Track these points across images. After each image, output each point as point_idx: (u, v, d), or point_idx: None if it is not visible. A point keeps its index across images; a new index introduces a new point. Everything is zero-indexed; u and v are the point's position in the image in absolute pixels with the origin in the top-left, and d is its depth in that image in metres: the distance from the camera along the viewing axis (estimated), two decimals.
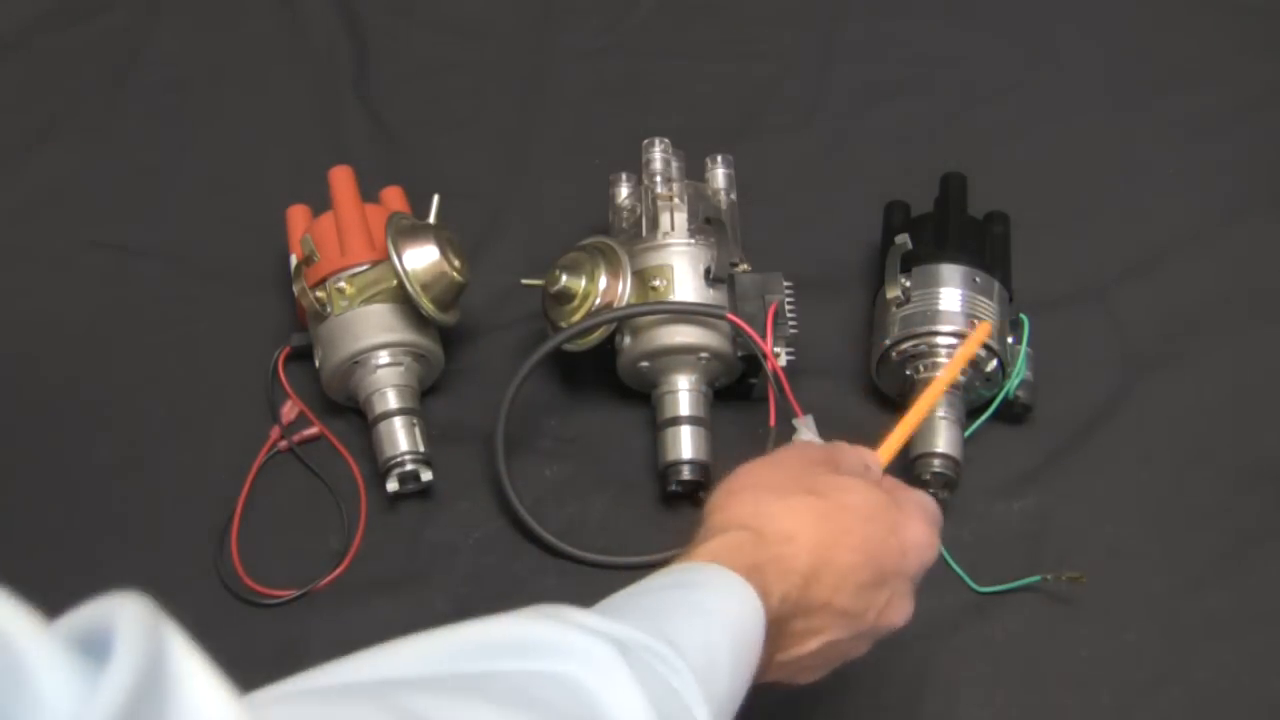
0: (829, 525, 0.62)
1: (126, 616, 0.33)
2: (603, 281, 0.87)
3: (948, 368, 0.81)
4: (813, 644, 0.62)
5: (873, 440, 0.90)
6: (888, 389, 0.91)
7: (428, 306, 0.86)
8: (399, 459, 0.86)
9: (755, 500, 0.62)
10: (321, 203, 0.92)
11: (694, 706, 0.51)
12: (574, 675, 0.48)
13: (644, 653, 0.51)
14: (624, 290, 0.87)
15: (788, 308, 0.87)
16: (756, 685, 0.72)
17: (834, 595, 0.61)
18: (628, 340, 0.88)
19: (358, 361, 0.88)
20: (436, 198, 0.90)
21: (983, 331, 0.83)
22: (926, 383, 0.86)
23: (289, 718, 0.43)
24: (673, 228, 0.89)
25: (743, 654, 0.56)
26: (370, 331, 0.88)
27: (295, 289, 0.91)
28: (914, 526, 0.65)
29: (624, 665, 0.49)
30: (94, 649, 0.33)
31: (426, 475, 0.87)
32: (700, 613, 0.56)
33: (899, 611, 0.65)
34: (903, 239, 0.87)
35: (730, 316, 0.85)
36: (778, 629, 0.59)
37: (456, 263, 0.87)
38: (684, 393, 0.88)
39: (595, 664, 0.49)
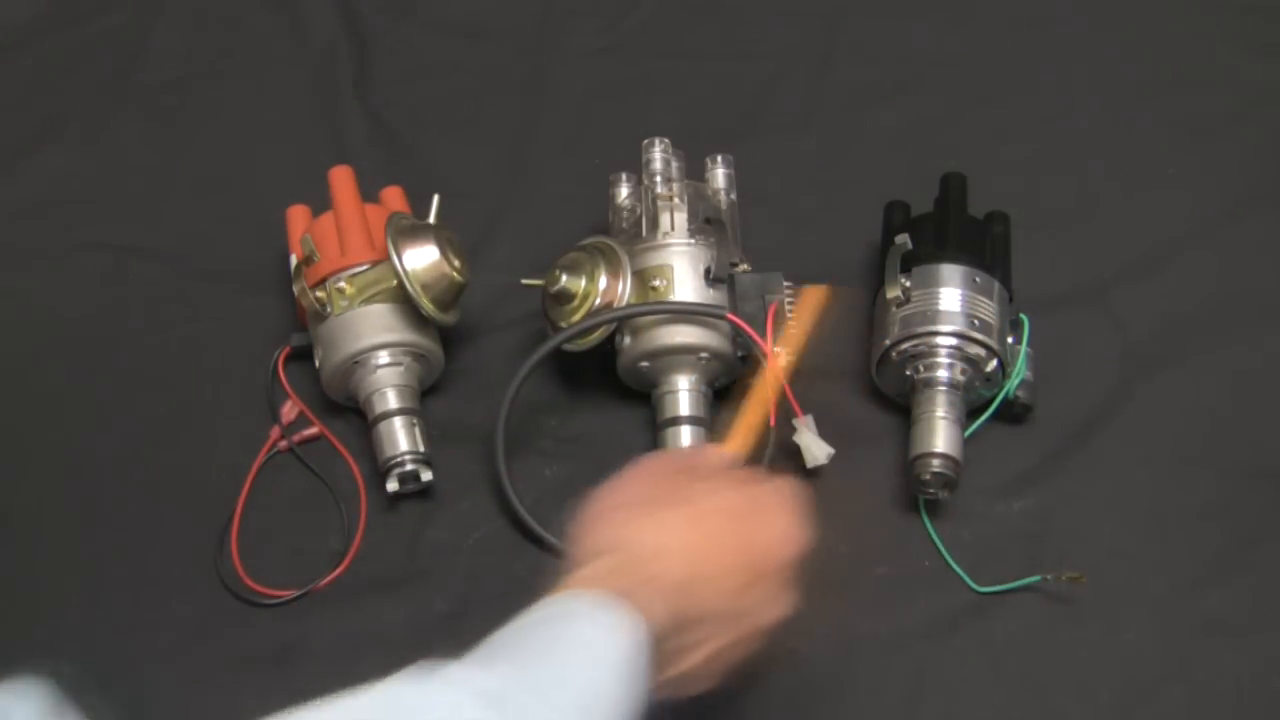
0: (699, 535, 0.61)
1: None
2: (603, 281, 0.87)
3: (787, 338, 0.78)
4: (698, 655, 0.61)
5: (873, 441, 0.91)
6: (888, 389, 0.91)
7: (428, 306, 0.86)
8: (399, 459, 0.86)
9: (623, 520, 0.61)
10: (321, 203, 0.92)
11: None
12: None
13: (521, 696, 0.50)
14: (624, 290, 0.87)
15: (788, 308, 0.87)
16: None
17: (711, 603, 0.60)
18: (628, 340, 0.88)
19: (358, 361, 0.88)
20: (436, 198, 0.90)
21: (816, 296, 0.80)
22: (926, 383, 0.87)
23: None
24: (673, 228, 0.89)
25: (628, 680, 0.55)
26: (370, 331, 0.88)
27: (295, 289, 0.91)
28: (779, 520, 0.65)
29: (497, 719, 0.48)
30: None
31: (426, 475, 0.87)
32: (580, 645, 0.55)
33: (779, 605, 0.64)
34: (903, 239, 0.87)
35: (730, 316, 0.85)
36: (663, 649, 0.58)
37: (456, 263, 0.87)
38: (684, 393, 0.88)
39: None
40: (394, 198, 0.95)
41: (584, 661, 0.54)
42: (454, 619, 0.85)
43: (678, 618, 0.59)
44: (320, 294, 0.89)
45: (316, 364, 0.90)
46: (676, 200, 0.90)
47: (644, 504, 0.62)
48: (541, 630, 0.56)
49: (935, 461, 0.84)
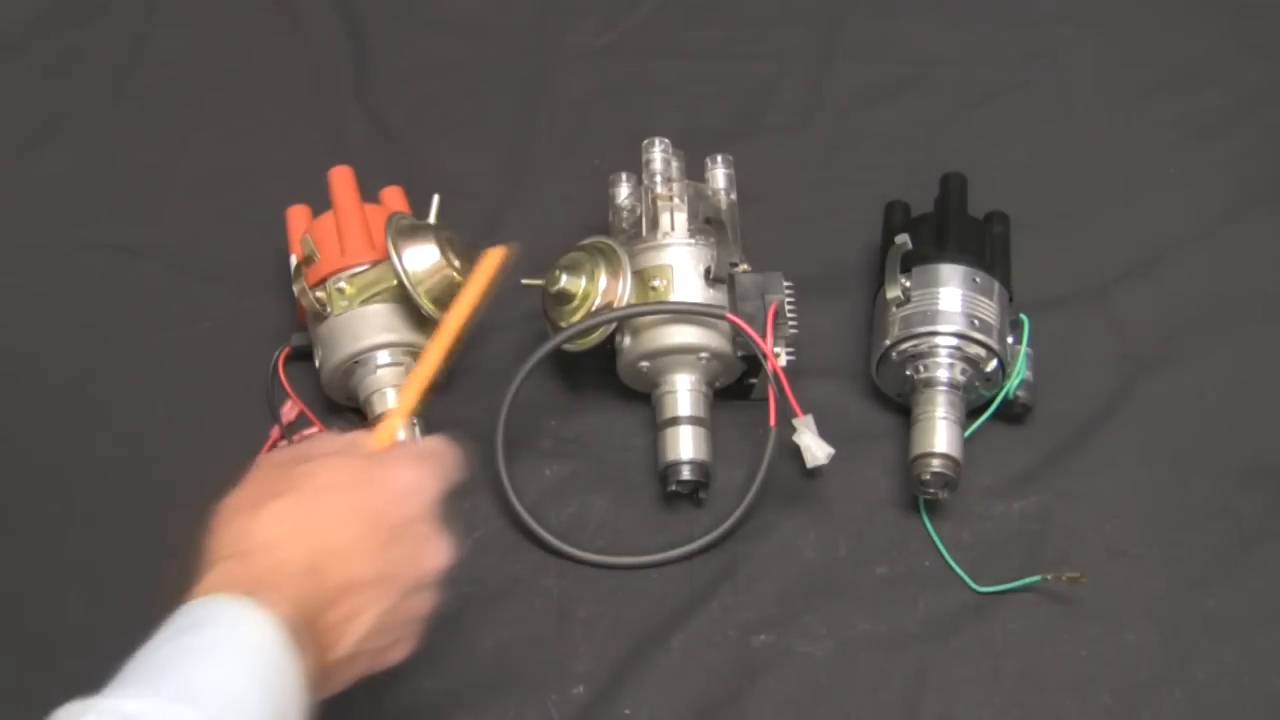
0: (308, 515, 0.61)
1: None
2: (603, 281, 0.87)
3: (458, 300, 0.76)
4: (361, 626, 0.61)
5: (873, 441, 0.91)
6: (888, 389, 0.91)
7: (428, 306, 0.86)
8: None
9: (232, 524, 0.61)
10: (321, 203, 0.92)
11: None
12: None
13: (156, 715, 0.51)
14: (624, 290, 0.87)
15: (788, 308, 0.87)
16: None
17: (350, 572, 0.61)
18: (628, 340, 0.88)
19: (358, 361, 0.88)
20: (436, 198, 0.90)
21: (496, 257, 0.78)
22: (926, 383, 0.87)
23: None
24: (673, 228, 0.89)
25: (268, 676, 0.55)
26: (370, 331, 0.88)
27: (295, 289, 0.91)
28: (400, 472, 0.65)
29: None
30: None
31: None
32: (210, 651, 0.55)
33: (433, 553, 0.65)
34: (903, 239, 0.87)
35: (730, 316, 0.85)
36: (312, 631, 0.59)
37: (456, 263, 0.87)
38: (684, 393, 0.88)
39: None
40: (394, 198, 0.95)
41: (215, 665, 0.55)
42: (454, 619, 0.85)
43: (316, 599, 0.59)
44: (320, 294, 0.89)
45: (316, 364, 0.90)
46: (676, 200, 0.90)
47: (251, 503, 0.62)
48: (175, 644, 0.56)
49: (935, 461, 0.84)
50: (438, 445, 0.69)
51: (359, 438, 0.69)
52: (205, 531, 0.62)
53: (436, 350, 0.73)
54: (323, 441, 0.68)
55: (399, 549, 0.63)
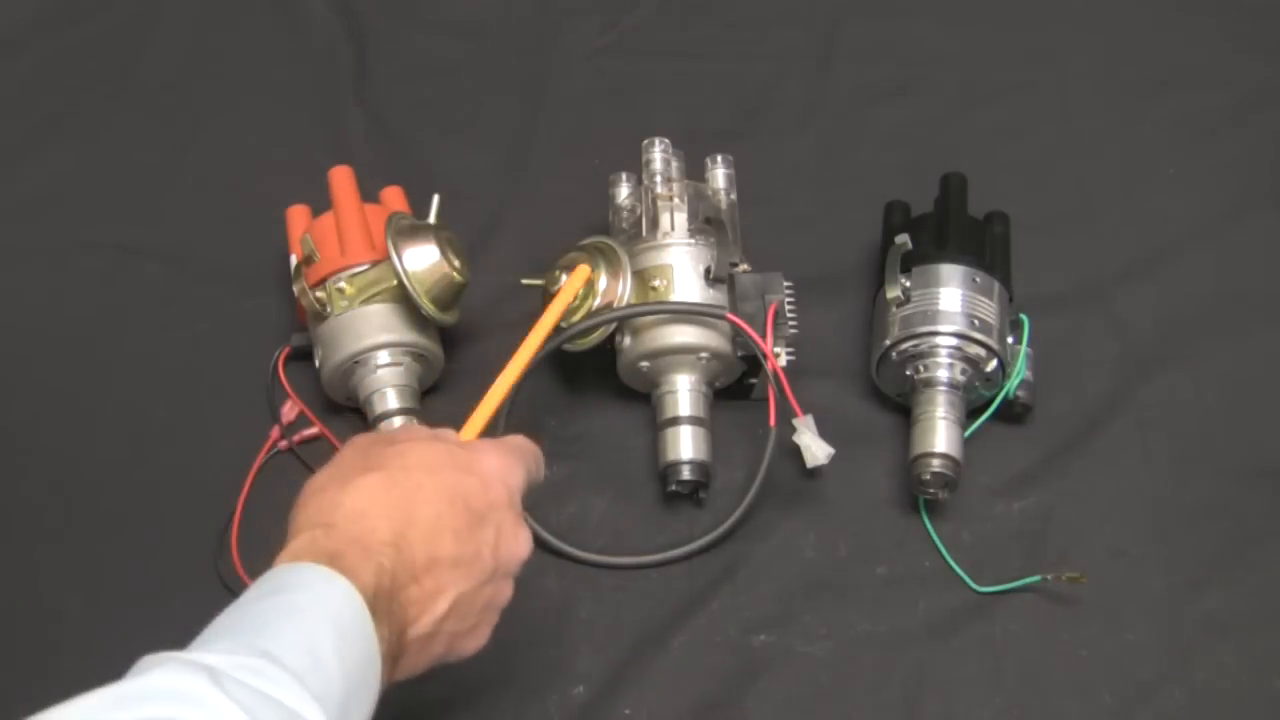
0: (397, 490, 0.63)
1: None
2: (603, 281, 0.87)
3: (545, 318, 0.82)
4: (441, 604, 0.62)
5: (873, 441, 0.91)
6: (888, 389, 0.91)
7: (428, 306, 0.86)
8: None
9: (321, 496, 0.63)
10: (321, 203, 0.92)
11: (301, 709, 0.52)
12: (170, 717, 0.49)
13: (238, 673, 0.51)
14: (624, 290, 0.87)
15: (788, 308, 0.87)
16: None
17: (434, 549, 0.62)
18: (628, 340, 0.88)
19: (358, 361, 0.88)
20: (436, 198, 0.90)
21: (582, 274, 0.84)
22: (926, 383, 0.87)
23: None
24: (673, 228, 0.89)
25: (348, 640, 0.56)
26: (370, 331, 0.88)
27: (295, 289, 0.91)
28: (486, 459, 0.67)
29: (217, 692, 0.50)
30: None
31: None
32: (294, 613, 0.56)
33: (516, 541, 0.67)
34: (903, 239, 0.87)
35: (730, 316, 0.85)
36: (392, 604, 0.60)
37: (456, 263, 0.87)
38: (684, 393, 0.88)
39: (187, 700, 0.49)
40: (394, 198, 0.95)
41: (298, 626, 0.55)
42: None
43: (399, 571, 0.60)
44: (320, 294, 0.89)
45: (316, 364, 0.90)
46: (676, 200, 0.90)
47: (341, 479, 0.63)
48: (259, 606, 0.57)
49: (935, 461, 0.84)
50: (523, 441, 0.72)
51: (446, 430, 0.71)
52: (293, 504, 0.64)
53: (507, 378, 0.77)
54: (412, 428, 0.71)
55: (483, 532, 0.64)
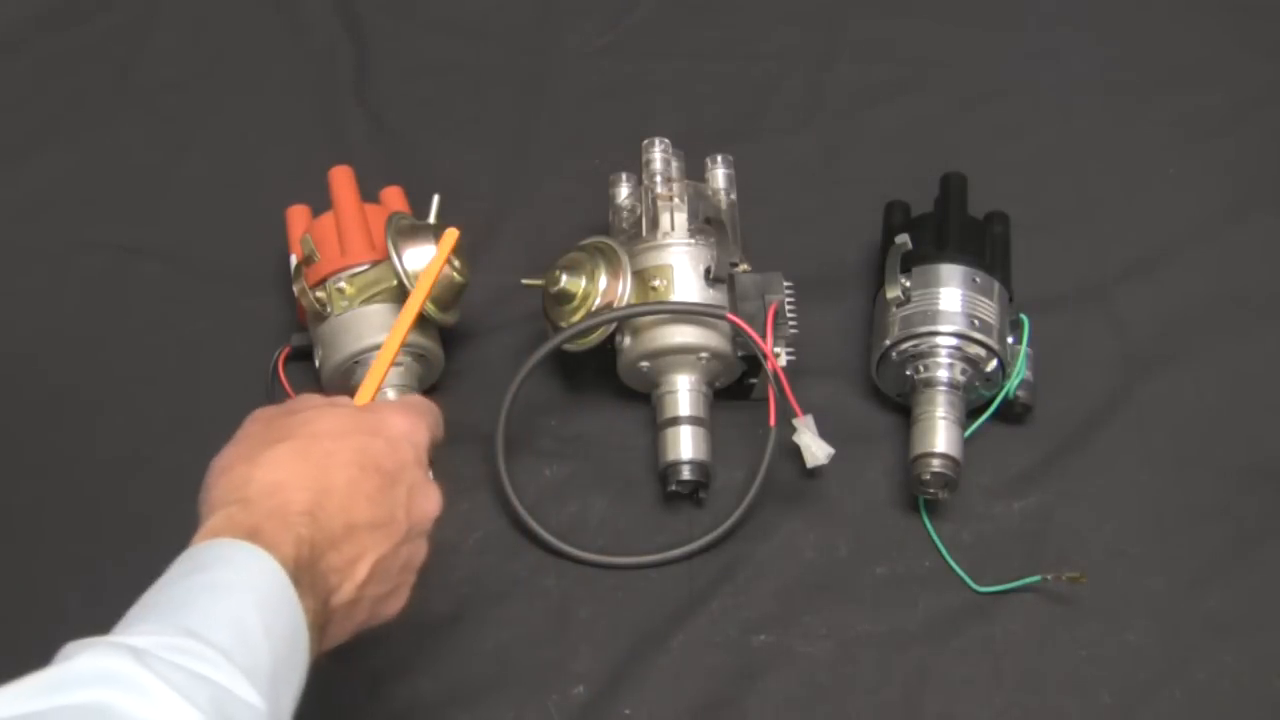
0: (308, 459, 0.62)
1: None
2: (603, 281, 0.87)
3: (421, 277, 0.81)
4: (362, 570, 0.62)
5: (873, 441, 0.91)
6: (888, 389, 0.91)
7: (428, 306, 0.86)
8: None
9: (231, 473, 0.63)
10: (321, 203, 0.92)
11: (231, 684, 0.52)
12: (99, 701, 0.49)
13: (165, 652, 0.51)
14: (624, 290, 0.87)
15: (788, 308, 0.87)
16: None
17: (351, 515, 0.62)
18: (628, 340, 0.88)
19: (358, 361, 0.88)
20: (436, 198, 0.90)
21: (450, 239, 0.82)
22: (926, 383, 0.87)
23: None
24: (673, 228, 0.89)
25: (273, 614, 0.56)
26: (370, 331, 0.88)
27: (295, 289, 0.91)
28: (391, 420, 0.67)
29: (146, 672, 0.49)
30: None
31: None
32: (216, 590, 0.56)
33: (427, 499, 0.67)
34: (903, 239, 0.87)
35: (730, 316, 0.85)
36: (314, 574, 0.59)
37: (456, 263, 0.87)
38: (684, 393, 0.88)
39: (116, 681, 0.49)
40: (394, 198, 0.95)
41: (222, 603, 0.55)
42: (454, 619, 0.85)
43: (318, 540, 0.60)
44: (320, 294, 0.89)
45: (316, 364, 0.90)
46: (676, 200, 0.90)
47: (249, 454, 0.63)
48: (181, 585, 0.57)
49: (935, 461, 0.84)
50: (420, 400, 0.72)
51: (342, 397, 0.71)
52: (201, 487, 0.63)
53: (407, 315, 0.77)
54: (309, 397, 0.70)
55: (395, 493, 0.65)
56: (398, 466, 0.65)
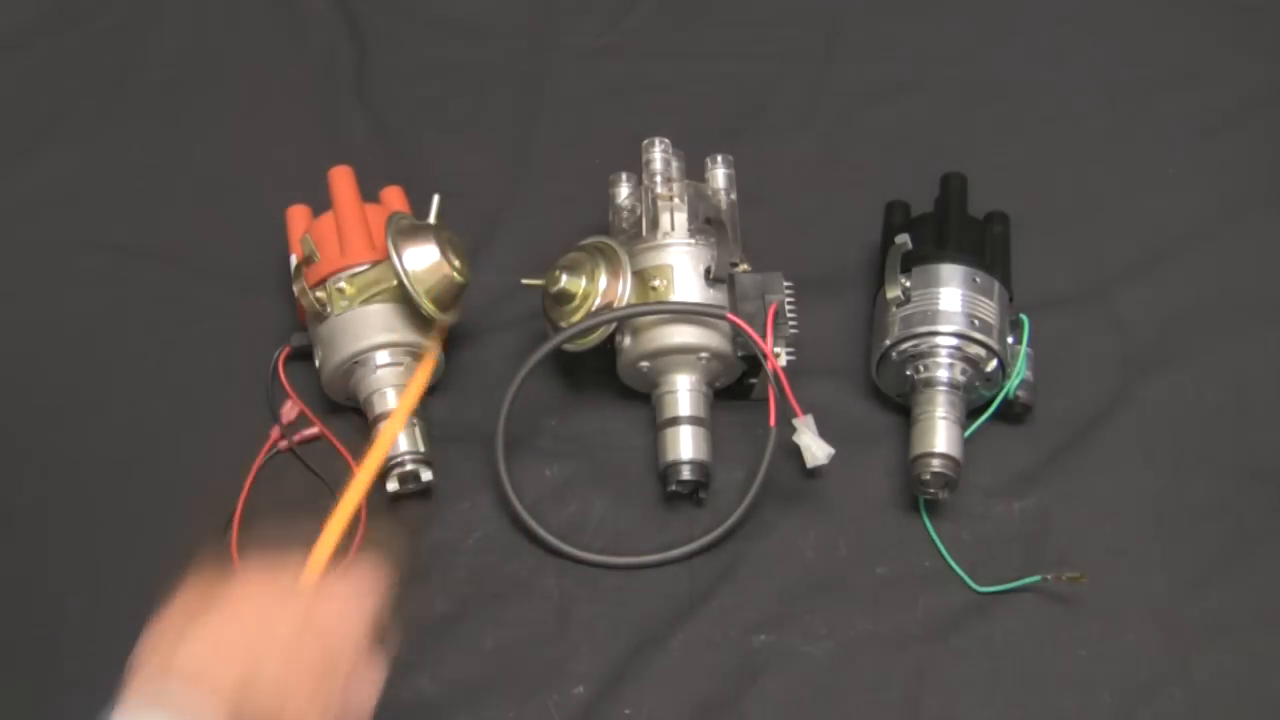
0: (234, 646, 0.60)
1: None
2: (603, 281, 0.87)
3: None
4: None
5: (873, 441, 0.91)
6: (888, 389, 0.91)
7: (428, 306, 0.86)
8: (399, 459, 0.86)
9: (158, 648, 0.59)
10: (321, 203, 0.92)
11: None
12: None
13: None
14: (624, 290, 0.87)
15: (788, 308, 0.87)
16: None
17: (280, 707, 0.59)
18: (628, 340, 0.88)
19: (358, 361, 0.88)
20: (436, 198, 0.90)
21: (426, 367, 0.85)
22: (926, 382, 0.87)
23: None
24: (673, 228, 0.89)
25: None
26: (370, 331, 0.88)
27: (295, 289, 0.91)
28: (333, 605, 0.64)
29: None
30: None
31: (426, 475, 0.87)
32: None
33: (365, 687, 0.64)
34: (903, 239, 0.87)
35: (730, 316, 0.85)
36: None
37: (456, 263, 0.87)
38: (684, 393, 0.88)
39: None
40: (394, 198, 0.95)
41: None
42: (454, 619, 0.85)
43: None
44: (320, 294, 0.89)
45: (316, 364, 0.90)
46: (676, 200, 0.90)
47: (179, 628, 0.60)
48: None
49: (935, 461, 0.84)
50: (369, 570, 0.66)
51: (286, 572, 0.67)
52: (137, 648, 0.60)
53: (363, 479, 0.75)
54: (250, 573, 0.66)
55: (330, 682, 0.62)
56: (334, 654, 0.62)
